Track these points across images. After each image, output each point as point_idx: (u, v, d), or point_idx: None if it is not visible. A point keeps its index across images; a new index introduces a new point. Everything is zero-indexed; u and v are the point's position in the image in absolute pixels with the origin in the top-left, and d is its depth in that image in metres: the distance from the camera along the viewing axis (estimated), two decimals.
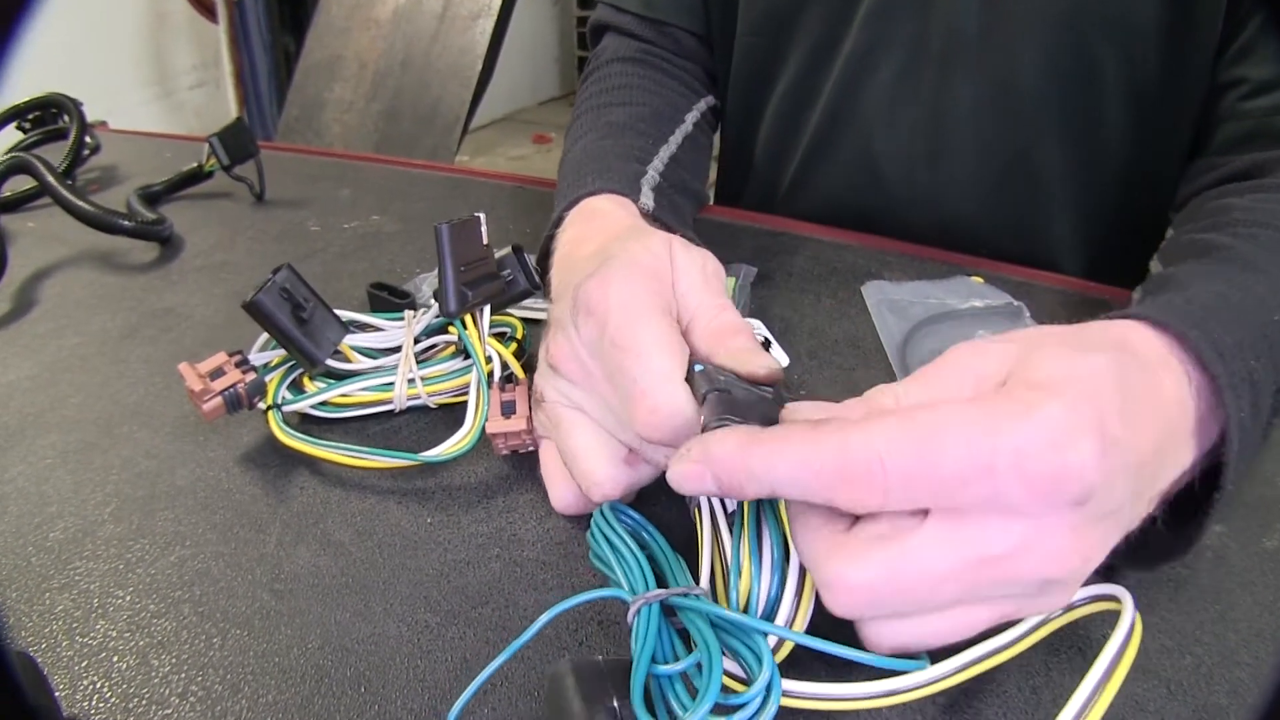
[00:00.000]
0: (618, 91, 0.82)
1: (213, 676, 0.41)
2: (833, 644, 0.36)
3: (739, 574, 0.39)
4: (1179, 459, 0.39)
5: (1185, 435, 0.39)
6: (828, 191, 0.89)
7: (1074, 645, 0.41)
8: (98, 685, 0.40)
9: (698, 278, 0.47)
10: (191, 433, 0.57)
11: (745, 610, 0.39)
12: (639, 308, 0.43)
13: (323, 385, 0.56)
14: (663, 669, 0.35)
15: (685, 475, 0.37)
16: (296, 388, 0.57)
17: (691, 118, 0.84)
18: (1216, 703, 0.39)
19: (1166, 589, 0.44)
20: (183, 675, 0.41)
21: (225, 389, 0.53)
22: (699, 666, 0.35)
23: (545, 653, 0.41)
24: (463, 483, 0.52)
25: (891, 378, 0.60)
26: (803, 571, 0.39)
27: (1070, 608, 0.39)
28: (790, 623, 0.38)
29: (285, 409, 0.55)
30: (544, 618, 0.37)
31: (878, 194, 0.86)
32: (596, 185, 0.63)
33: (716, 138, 0.97)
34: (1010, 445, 0.32)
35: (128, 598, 0.45)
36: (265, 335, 0.57)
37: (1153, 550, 0.41)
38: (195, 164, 0.97)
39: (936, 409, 0.33)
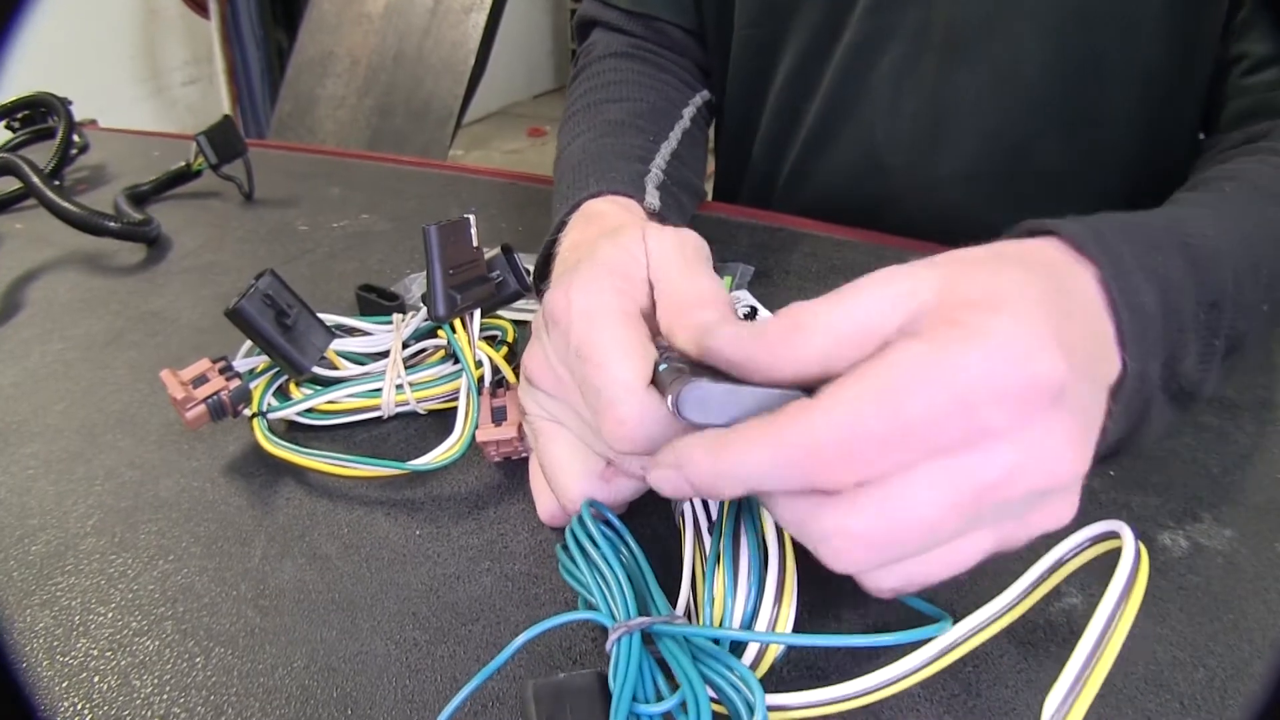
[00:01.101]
0: (613, 88, 0.80)
1: (195, 698, 0.39)
2: (830, 636, 0.35)
3: (712, 584, 0.39)
4: (1107, 349, 0.39)
5: (1107, 333, 0.39)
6: (828, 182, 0.88)
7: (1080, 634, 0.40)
8: (79, 707, 0.39)
9: (673, 259, 0.44)
10: (176, 441, 0.56)
11: (720, 622, 0.38)
12: (601, 314, 0.41)
13: (309, 392, 0.54)
14: (644, 709, 0.34)
15: (662, 480, 0.36)
16: (282, 394, 0.56)
17: (689, 112, 0.82)
18: (1231, 717, 0.38)
19: (1177, 599, 0.43)
20: (165, 696, 0.39)
21: (208, 397, 0.52)
22: (683, 706, 0.34)
23: (535, 670, 0.40)
24: (453, 493, 0.51)
25: None
26: (781, 575, 0.38)
27: (1077, 551, 0.38)
28: (772, 626, 0.37)
29: (271, 416, 0.53)
30: (516, 642, 0.36)
31: (879, 185, 0.85)
32: (598, 187, 0.60)
33: (711, 131, 0.96)
34: (978, 374, 0.31)
35: (109, 615, 0.44)
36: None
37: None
38: (183, 163, 0.96)
39: (888, 360, 0.32)
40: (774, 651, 0.38)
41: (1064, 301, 0.36)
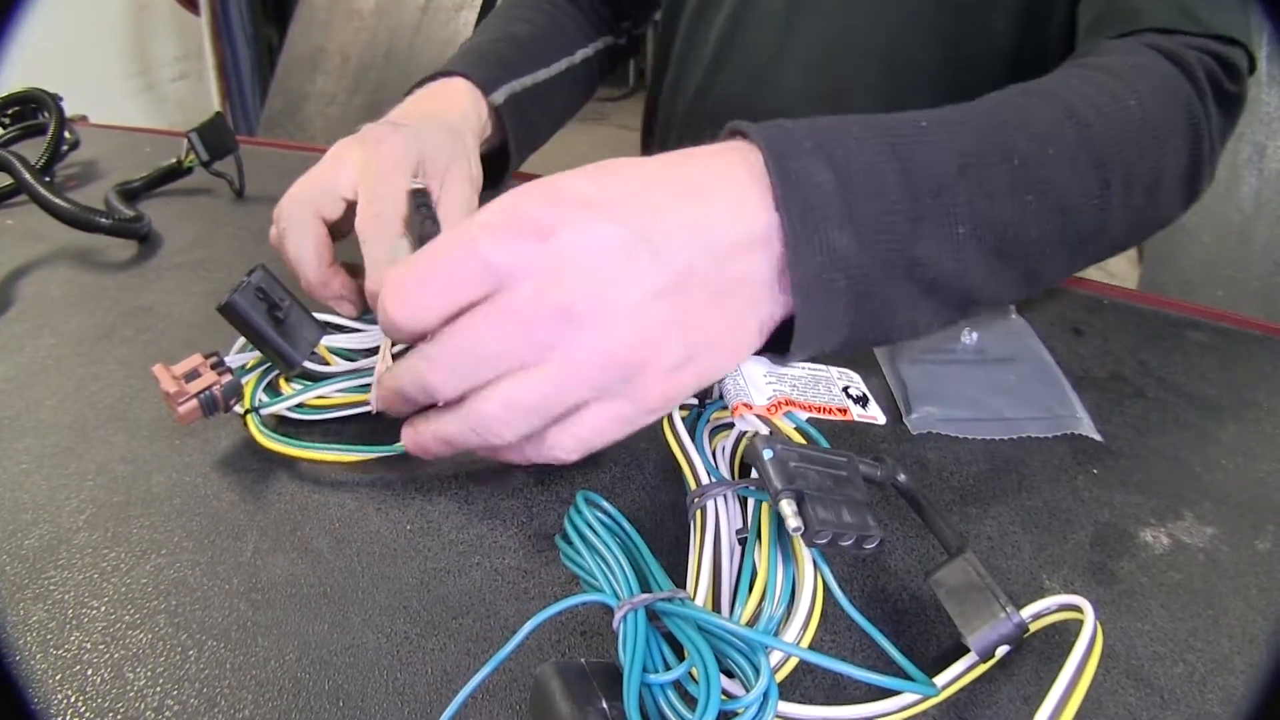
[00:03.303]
0: (525, 9, 0.92)
1: (188, 690, 0.40)
2: (838, 660, 0.36)
3: (750, 588, 0.40)
4: (740, 204, 0.44)
5: (744, 188, 0.44)
6: (725, 100, 0.94)
7: (1066, 655, 0.40)
8: (72, 700, 0.39)
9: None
10: (168, 436, 0.56)
11: (753, 625, 0.38)
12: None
13: (300, 387, 0.55)
14: (654, 678, 0.35)
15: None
16: (273, 390, 0.56)
17: (582, 54, 0.93)
18: (1209, 711, 0.38)
19: (1158, 594, 0.44)
20: (158, 689, 0.40)
21: (200, 391, 0.52)
22: (691, 674, 0.35)
23: (526, 663, 0.40)
24: (443, 488, 0.51)
25: (882, 381, 0.59)
26: (814, 596, 0.40)
27: (1038, 616, 0.39)
28: (797, 642, 0.38)
29: (263, 412, 0.54)
30: (528, 625, 0.36)
31: (774, 102, 0.89)
32: (459, 68, 0.77)
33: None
34: (478, 222, 0.42)
35: (102, 608, 0.44)
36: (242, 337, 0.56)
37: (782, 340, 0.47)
38: (174, 159, 0.96)
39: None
40: (790, 666, 0.39)
41: (652, 177, 0.44)
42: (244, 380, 0.55)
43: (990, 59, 0.81)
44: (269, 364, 0.56)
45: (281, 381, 0.56)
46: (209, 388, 0.52)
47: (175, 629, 0.43)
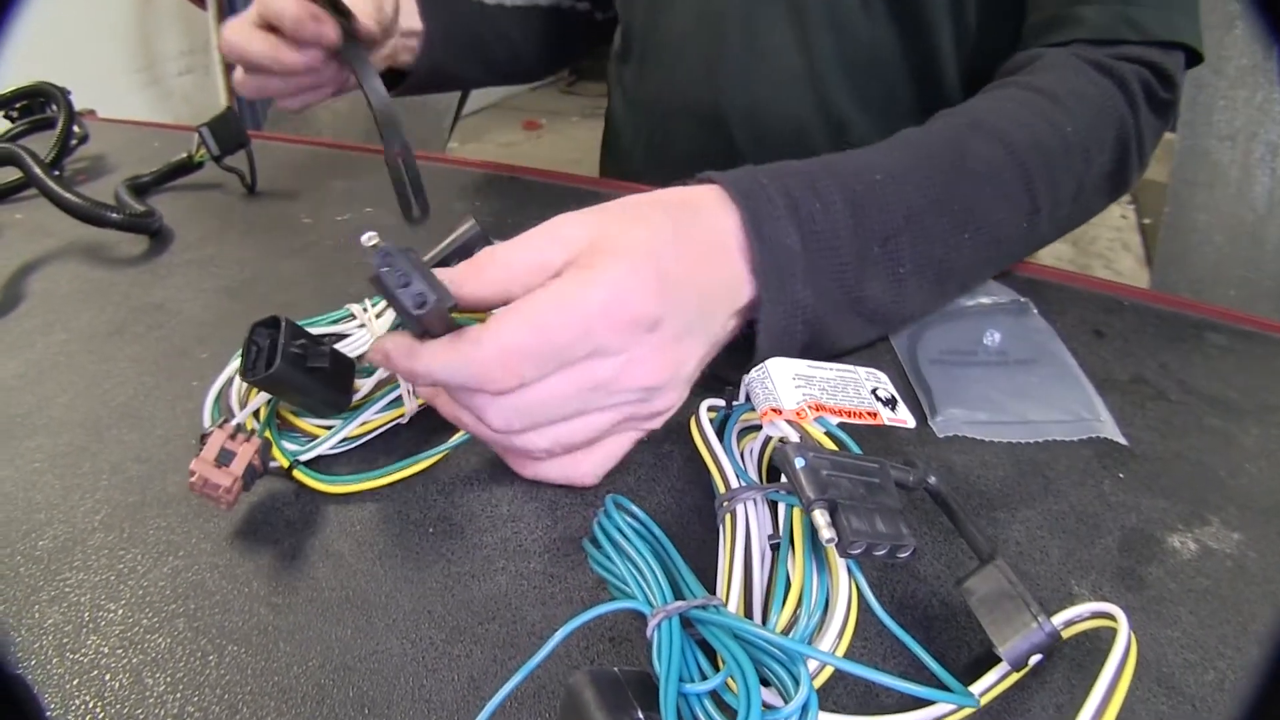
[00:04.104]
0: None
1: (209, 696, 0.39)
2: (879, 671, 0.35)
3: (785, 596, 0.39)
4: (735, 278, 0.50)
5: (736, 257, 0.50)
6: (668, 41, 0.95)
7: (1098, 662, 0.40)
8: (90, 705, 0.39)
9: None
10: (183, 436, 0.55)
11: (789, 633, 0.38)
12: None
13: (338, 421, 0.53)
14: (691, 688, 0.34)
15: (376, 361, 0.45)
16: (284, 427, 0.53)
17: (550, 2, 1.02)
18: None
19: (1187, 601, 0.43)
20: (178, 695, 0.39)
21: (246, 471, 0.47)
22: (729, 684, 0.34)
23: (554, 670, 0.40)
24: (465, 490, 0.51)
25: (903, 378, 0.59)
26: (849, 604, 0.39)
27: (1070, 623, 0.39)
28: (833, 651, 0.38)
29: (304, 459, 0.51)
30: (561, 632, 0.36)
31: (713, 44, 0.90)
32: None
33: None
34: (596, 309, 0.42)
35: (120, 611, 0.44)
36: (229, 388, 0.54)
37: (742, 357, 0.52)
38: (185, 154, 0.95)
39: (536, 295, 0.43)
40: (824, 675, 0.39)
41: (682, 244, 0.47)
42: (264, 434, 0.51)
43: (949, 49, 0.82)
44: (271, 409, 0.52)
45: (290, 417, 0.53)
46: (249, 463, 0.47)
47: (195, 633, 0.42)
